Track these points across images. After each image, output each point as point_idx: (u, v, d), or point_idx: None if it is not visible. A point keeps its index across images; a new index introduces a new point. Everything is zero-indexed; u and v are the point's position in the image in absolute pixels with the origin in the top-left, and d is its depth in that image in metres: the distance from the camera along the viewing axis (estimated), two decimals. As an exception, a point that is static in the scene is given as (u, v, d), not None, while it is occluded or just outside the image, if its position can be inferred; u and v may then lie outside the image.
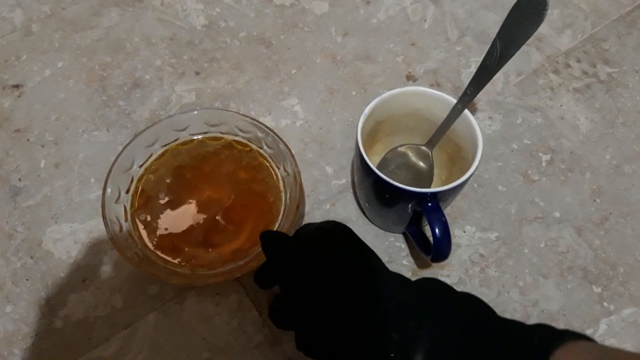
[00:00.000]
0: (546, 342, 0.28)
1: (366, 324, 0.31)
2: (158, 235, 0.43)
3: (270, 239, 0.37)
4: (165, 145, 0.46)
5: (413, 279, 0.34)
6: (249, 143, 0.47)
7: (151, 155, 0.45)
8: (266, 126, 0.45)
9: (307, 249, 0.35)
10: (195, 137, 0.47)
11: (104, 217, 0.40)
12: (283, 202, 0.44)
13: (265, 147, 0.46)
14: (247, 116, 0.45)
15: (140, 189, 0.44)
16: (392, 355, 0.30)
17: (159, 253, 0.42)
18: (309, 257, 0.34)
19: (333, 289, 0.32)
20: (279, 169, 0.46)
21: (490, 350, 0.29)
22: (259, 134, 0.46)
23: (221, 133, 0.47)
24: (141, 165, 0.45)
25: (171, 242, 0.42)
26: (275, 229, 0.43)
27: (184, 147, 0.47)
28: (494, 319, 0.31)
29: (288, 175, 0.44)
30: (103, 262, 0.45)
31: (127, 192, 0.44)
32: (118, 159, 0.43)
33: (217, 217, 0.44)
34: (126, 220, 0.42)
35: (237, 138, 0.47)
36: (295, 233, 0.37)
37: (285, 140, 0.44)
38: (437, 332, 0.30)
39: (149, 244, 0.42)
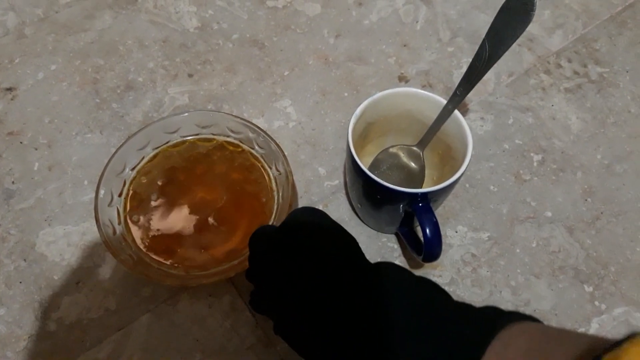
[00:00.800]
0: (492, 323, 0.28)
1: (330, 308, 0.32)
2: (151, 237, 0.43)
3: (256, 233, 0.37)
4: (156, 148, 0.46)
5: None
6: (240, 144, 0.47)
7: (143, 158, 0.46)
8: (257, 126, 0.45)
9: (284, 238, 0.35)
10: (187, 139, 0.47)
11: (97, 220, 0.40)
12: (276, 201, 0.45)
13: (256, 147, 0.46)
14: (238, 117, 0.46)
15: (132, 191, 0.44)
16: (347, 339, 0.31)
17: (152, 255, 0.42)
18: (285, 245, 0.35)
19: (307, 275, 0.33)
20: (270, 168, 0.46)
21: (438, 332, 0.29)
22: (250, 135, 0.46)
23: (213, 134, 0.47)
24: (133, 168, 0.45)
25: (164, 244, 0.42)
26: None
27: (176, 149, 0.47)
28: (444, 302, 0.32)
29: (280, 174, 0.44)
30: (96, 264, 0.45)
31: (120, 195, 0.44)
32: (110, 163, 0.43)
33: (210, 219, 0.44)
34: (119, 223, 0.42)
35: (228, 139, 0.47)
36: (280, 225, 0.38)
37: (276, 140, 0.44)
38: (386, 315, 0.31)
39: (143, 247, 0.42)
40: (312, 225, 0.36)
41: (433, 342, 0.29)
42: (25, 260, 0.45)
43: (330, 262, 0.34)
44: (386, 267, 0.34)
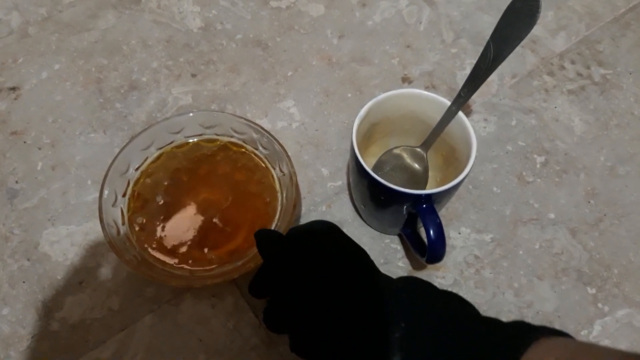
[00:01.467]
0: (521, 338, 0.28)
1: (355, 324, 0.31)
2: (156, 238, 0.43)
3: (264, 238, 0.37)
4: (160, 148, 0.46)
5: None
6: (244, 144, 0.47)
7: (147, 158, 0.46)
8: (261, 127, 0.45)
9: (298, 250, 0.35)
10: (191, 140, 0.47)
11: (101, 220, 0.40)
12: (279, 202, 0.45)
13: (260, 147, 0.46)
14: (242, 117, 0.46)
15: (136, 192, 0.44)
16: (376, 353, 0.30)
17: (156, 256, 0.42)
18: (300, 258, 0.34)
19: (326, 290, 0.33)
20: (274, 169, 0.46)
21: (466, 348, 0.29)
22: (254, 135, 0.46)
23: (216, 135, 0.47)
24: (137, 169, 0.45)
25: (169, 245, 0.42)
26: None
27: (180, 150, 0.47)
28: (471, 317, 0.31)
29: (284, 175, 0.45)
30: (100, 264, 0.45)
31: (124, 195, 0.44)
32: (114, 163, 0.43)
33: (214, 219, 0.44)
34: (123, 223, 0.43)
35: (232, 140, 0.47)
36: (286, 235, 0.37)
37: (280, 141, 0.44)
38: (415, 331, 0.30)
39: (147, 247, 0.42)
40: (332, 239, 0.36)
41: (462, 358, 0.29)
42: (28, 259, 0.45)
43: (351, 278, 0.33)
44: (412, 282, 0.33)
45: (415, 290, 0.33)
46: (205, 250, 0.42)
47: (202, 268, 0.42)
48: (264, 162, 0.46)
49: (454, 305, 0.32)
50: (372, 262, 0.35)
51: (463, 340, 0.30)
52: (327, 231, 0.36)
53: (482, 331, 0.30)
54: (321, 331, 0.32)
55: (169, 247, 0.42)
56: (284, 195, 0.44)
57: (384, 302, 0.32)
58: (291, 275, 0.34)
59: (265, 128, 0.45)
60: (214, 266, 0.42)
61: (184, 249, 0.42)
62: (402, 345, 0.30)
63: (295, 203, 0.42)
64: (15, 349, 0.42)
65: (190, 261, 0.42)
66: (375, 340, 0.30)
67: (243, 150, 0.47)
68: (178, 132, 0.46)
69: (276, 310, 0.35)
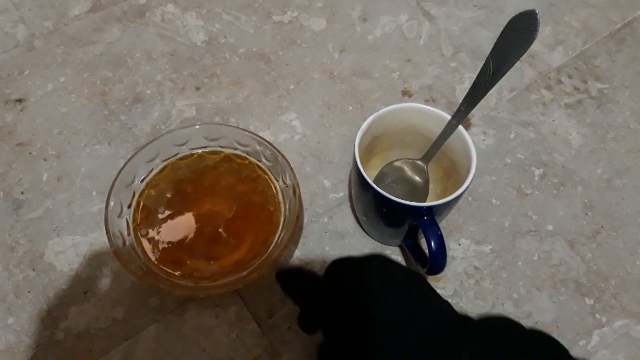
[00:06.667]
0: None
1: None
2: (161, 248, 0.43)
3: (287, 278, 0.36)
4: (165, 160, 0.47)
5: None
6: (247, 156, 0.48)
7: (152, 170, 0.46)
8: (264, 139, 0.46)
9: (340, 289, 0.34)
10: (195, 152, 0.48)
11: (107, 231, 0.41)
12: (282, 213, 0.45)
13: (264, 159, 0.47)
14: (245, 130, 0.47)
15: (142, 203, 0.45)
16: None
17: (161, 266, 0.42)
18: (344, 297, 0.33)
19: (378, 332, 0.31)
20: (277, 181, 0.47)
21: None
22: (258, 147, 0.47)
23: (220, 147, 0.48)
24: (142, 180, 0.46)
25: (173, 256, 0.43)
26: (275, 241, 0.43)
27: (184, 162, 0.47)
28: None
29: (287, 187, 0.45)
30: (104, 274, 0.46)
31: (129, 206, 0.44)
32: (120, 174, 0.43)
33: (219, 230, 0.44)
34: (129, 234, 0.43)
35: (236, 152, 0.48)
36: (326, 272, 0.36)
37: (282, 153, 0.45)
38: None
39: (152, 258, 0.43)
40: (377, 271, 0.34)
41: None
42: (34, 269, 0.46)
43: (417, 320, 0.31)
44: (496, 327, 0.32)
45: (502, 337, 0.31)
46: (210, 261, 0.43)
47: (206, 278, 0.42)
48: (267, 174, 0.47)
49: (546, 350, 0.31)
50: (429, 291, 0.34)
51: None
52: (369, 262, 0.35)
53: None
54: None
55: (173, 258, 0.43)
56: (287, 207, 0.45)
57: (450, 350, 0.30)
58: (338, 317, 0.33)
59: (268, 140, 0.46)
60: (218, 277, 0.42)
61: (188, 260, 0.43)
62: None
63: (299, 215, 0.43)
64: (20, 358, 0.42)
65: (194, 272, 0.42)
66: None
67: (247, 162, 0.48)
68: (183, 144, 0.47)
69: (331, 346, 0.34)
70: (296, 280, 0.36)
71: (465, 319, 0.32)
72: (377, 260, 0.36)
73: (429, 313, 0.32)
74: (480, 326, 0.32)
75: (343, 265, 0.36)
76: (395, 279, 0.34)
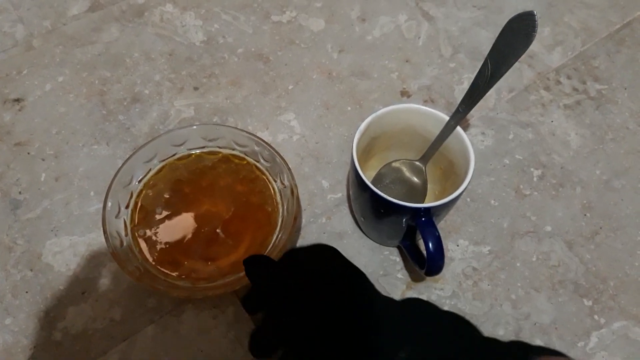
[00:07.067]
0: (520, 359, 0.29)
1: (354, 346, 0.31)
2: (158, 249, 0.43)
3: (253, 264, 0.36)
4: (163, 160, 0.47)
5: (407, 292, 0.34)
6: (245, 156, 0.48)
7: (150, 170, 0.46)
8: (262, 140, 0.46)
9: (294, 273, 0.35)
10: (193, 152, 0.48)
11: (104, 232, 0.41)
12: (280, 214, 0.45)
13: (261, 160, 0.47)
14: (243, 130, 0.46)
15: (139, 204, 0.45)
16: None
17: (159, 267, 0.42)
18: (296, 280, 0.34)
19: (322, 311, 0.32)
20: (275, 182, 0.47)
21: None
22: (256, 148, 0.47)
23: (218, 147, 0.48)
24: (140, 181, 0.46)
25: (171, 256, 0.43)
26: (273, 241, 0.43)
27: (182, 162, 0.47)
28: (474, 338, 0.32)
29: (285, 187, 0.45)
30: (102, 275, 0.46)
31: (127, 207, 0.44)
32: (117, 175, 0.43)
33: (217, 230, 0.44)
34: (126, 234, 0.43)
35: (234, 152, 0.48)
36: (281, 258, 0.37)
37: (280, 153, 0.45)
38: (417, 353, 0.30)
39: (150, 258, 0.43)
40: (329, 261, 0.36)
41: None
42: (31, 270, 0.46)
43: (349, 298, 0.33)
44: (415, 303, 0.33)
45: (419, 311, 0.33)
46: (207, 261, 0.43)
47: (203, 279, 0.42)
48: (265, 175, 0.47)
49: (458, 327, 0.32)
50: (370, 283, 0.35)
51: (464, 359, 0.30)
52: (323, 253, 0.37)
53: (484, 353, 0.31)
54: (314, 353, 0.32)
55: (171, 259, 0.43)
56: (285, 207, 0.45)
57: (384, 324, 0.32)
58: (285, 297, 0.34)
59: (267, 141, 0.46)
60: (215, 278, 0.42)
61: (186, 261, 0.43)
62: None
63: (296, 215, 0.42)
64: (18, 359, 0.42)
65: (192, 273, 0.42)
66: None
67: (244, 162, 0.48)
68: (181, 145, 0.47)
69: (268, 331, 0.34)
70: (259, 267, 0.36)
71: (404, 313, 0.34)
72: (328, 252, 0.37)
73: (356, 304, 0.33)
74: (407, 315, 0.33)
75: (297, 254, 0.38)
76: (340, 272, 0.35)
